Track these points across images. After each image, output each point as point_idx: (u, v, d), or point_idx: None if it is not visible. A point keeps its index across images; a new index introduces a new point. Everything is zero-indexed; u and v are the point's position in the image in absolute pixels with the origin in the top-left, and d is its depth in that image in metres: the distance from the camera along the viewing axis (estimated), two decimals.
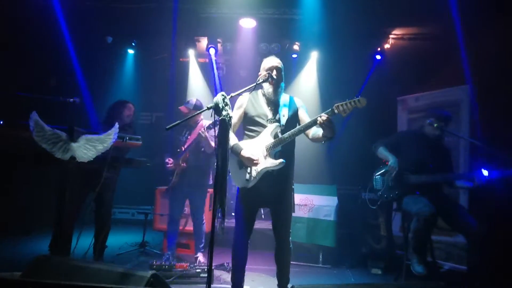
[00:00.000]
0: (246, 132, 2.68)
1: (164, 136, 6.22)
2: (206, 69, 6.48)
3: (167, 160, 3.93)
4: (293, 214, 2.72)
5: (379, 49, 5.72)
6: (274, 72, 2.61)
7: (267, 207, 2.79)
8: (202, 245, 4.03)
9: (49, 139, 2.62)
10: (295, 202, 4.24)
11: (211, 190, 4.58)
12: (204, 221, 4.06)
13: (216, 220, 2.15)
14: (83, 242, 2.97)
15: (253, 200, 2.60)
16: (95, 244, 3.48)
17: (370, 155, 3.70)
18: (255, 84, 2.47)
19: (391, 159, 3.30)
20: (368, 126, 5.88)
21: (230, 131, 2.17)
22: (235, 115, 2.68)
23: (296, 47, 5.67)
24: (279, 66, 2.65)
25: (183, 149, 3.86)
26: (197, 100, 4.02)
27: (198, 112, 2.34)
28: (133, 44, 5.95)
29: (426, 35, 4.97)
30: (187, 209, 4.26)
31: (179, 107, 4.01)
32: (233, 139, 2.56)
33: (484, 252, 3.24)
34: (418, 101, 5.15)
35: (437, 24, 4.76)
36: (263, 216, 5.23)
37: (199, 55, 6.38)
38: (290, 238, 2.68)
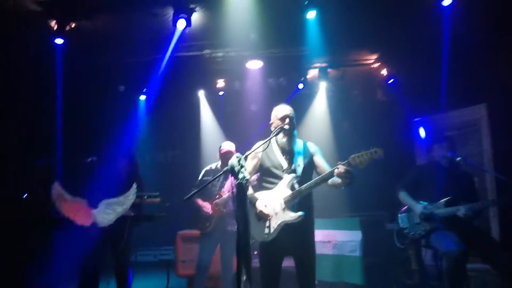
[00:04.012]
0: (263, 184, 2.66)
1: (182, 174, 6.28)
2: (216, 107, 6.65)
3: (205, 205, 3.79)
4: (317, 252, 2.65)
5: (387, 72, 5.70)
6: (287, 121, 2.59)
7: (290, 256, 2.73)
8: None
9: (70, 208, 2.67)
10: (318, 239, 4.18)
11: None
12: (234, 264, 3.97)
13: (241, 285, 2.11)
14: None
15: (275, 252, 2.55)
16: None
17: (388, 178, 3.61)
18: (269, 138, 2.47)
19: (416, 210, 3.23)
20: (384, 149, 5.76)
21: (247, 194, 2.15)
22: (249, 165, 2.63)
23: (304, 79, 5.74)
24: (291, 114, 2.64)
25: (222, 194, 3.80)
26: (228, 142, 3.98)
27: (216, 177, 2.34)
28: (144, 91, 6.15)
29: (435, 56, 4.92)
30: None
31: (223, 150, 3.84)
32: (250, 190, 2.53)
33: None
34: (436, 122, 5.05)
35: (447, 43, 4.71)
36: None
37: (208, 94, 6.59)
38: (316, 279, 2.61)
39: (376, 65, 5.73)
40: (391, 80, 5.60)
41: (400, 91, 5.55)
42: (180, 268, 4.79)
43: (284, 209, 2.47)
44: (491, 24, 4.22)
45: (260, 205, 2.47)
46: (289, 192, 2.49)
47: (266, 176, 2.63)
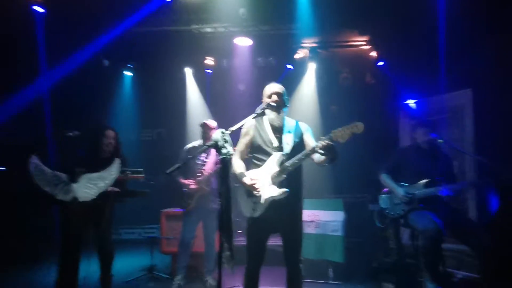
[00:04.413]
0: (254, 161, 2.68)
1: (167, 152, 6.22)
2: (203, 85, 6.52)
3: (187, 182, 3.79)
4: None
5: (376, 55, 5.68)
6: (275, 98, 2.60)
7: (277, 233, 2.74)
8: (212, 268, 3.99)
9: (49, 181, 2.62)
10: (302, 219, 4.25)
11: None
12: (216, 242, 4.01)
13: (223, 260, 2.13)
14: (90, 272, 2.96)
15: (262, 228, 2.59)
16: (102, 276, 3.45)
17: (373, 161, 3.67)
18: (255, 115, 2.46)
19: (398, 192, 3.31)
20: (370, 132, 5.80)
21: (231, 169, 2.14)
22: (242, 143, 2.69)
23: (293, 58, 5.66)
24: (280, 91, 2.64)
25: (204, 172, 3.78)
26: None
27: (200, 151, 2.31)
28: (129, 66, 5.95)
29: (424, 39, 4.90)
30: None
31: (214, 128, 3.84)
32: (240, 167, 2.60)
33: (496, 261, 3.18)
34: (421, 107, 5.10)
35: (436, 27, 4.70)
36: None
37: (195, 71, 6.43)
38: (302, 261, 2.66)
39: (366, 47, 5.69)
40: (381, 63, 5.58)
41: (388, 74, 5.56)
42: (164, 246, 4.81)
43: (270, 185, 2.51)
44: (479, 10, 4.22)
45: (248, 181, 2.51)
46: (277, 168, 2.52)
47: (257, 153, 2.65)
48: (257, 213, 2.52)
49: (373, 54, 5.67)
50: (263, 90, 2.70)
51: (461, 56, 4.67)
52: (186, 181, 3.80)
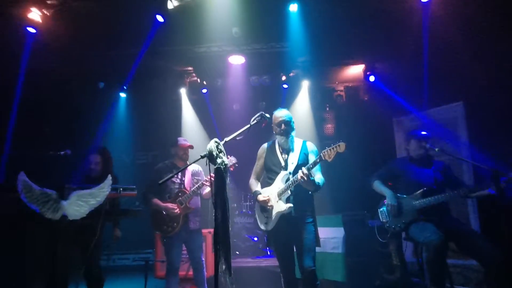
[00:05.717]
0: (267, 180, 2.97)
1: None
2: (198, 105, 6.54)
3: (172, 206, 3.52)
4: None
5: (368, 72, 5.76)
6: (283, 126, 2.87)
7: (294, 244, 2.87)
8: None
9: (38, 199, 2.51)
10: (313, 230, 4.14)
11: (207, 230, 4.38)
12: (204, 264, 3.82)
13: (221, 274, 2.04)
14: None
15: (278, 239, 2.82)
16: None
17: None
18: (249, 126, 2.51)
19: (387, 195, 3.28)
20: (367, 149, 5.80)
21: (227, 179, 2.09)
22: (257, 165, 3.06)
23: (286, 77, 5.73)
24: (287, 119, 2.90)
25: (186, 192, 3.60)
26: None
27: (193, 162, 2.26)
28: (124, 88, 5.97)
29: (416, 54, 5.01)
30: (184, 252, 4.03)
31: (187, 144, 3.72)
32: (255, 186, 2.99)
33: (503, 274, 3.05)
34: (414, 121, 5.12)
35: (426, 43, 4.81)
36: (269, 252, 5.02)
37: (190, 92, 6.47)
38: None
39: (358, 64, 5.78)
40: (372, 78, 5.64)
41: (381, 90, 5.62)
42: (159, 270, 4.63)
43: (278, 201, 2.78)
44: (467, 24, 4.35)
45: (261, 198, 2.82)
46: (282, 186, 2.78)
47: (268, 173, 2.97)
48: (269, 227, 2.82)
49: (366, 70, 5.75)
50: (273, 115, 2.91)
51: (451, 72, 4.77)
52: (168, 204, 3.53)
